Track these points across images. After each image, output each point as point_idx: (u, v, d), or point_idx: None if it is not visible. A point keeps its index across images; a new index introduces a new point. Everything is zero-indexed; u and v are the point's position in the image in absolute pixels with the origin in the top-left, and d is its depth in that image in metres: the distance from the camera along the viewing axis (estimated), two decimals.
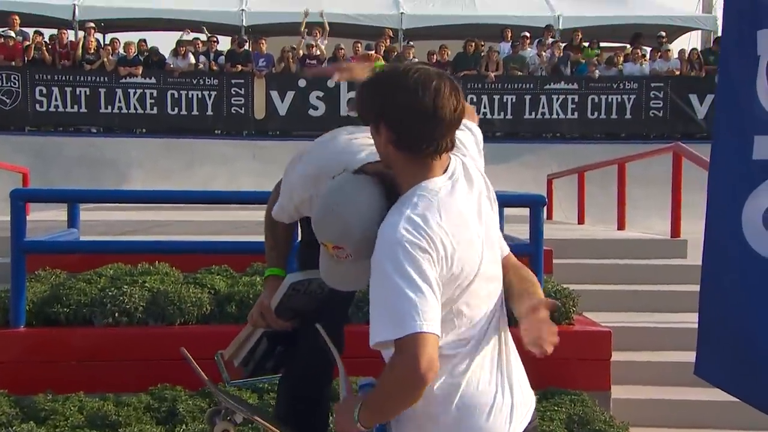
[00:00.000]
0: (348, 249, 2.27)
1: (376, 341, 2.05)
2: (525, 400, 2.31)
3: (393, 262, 2.04)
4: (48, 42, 16.58)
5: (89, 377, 4.37)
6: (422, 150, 2.14)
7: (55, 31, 17.17)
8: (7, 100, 15.55)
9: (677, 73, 16.38)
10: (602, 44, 18.61)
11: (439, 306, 2.05)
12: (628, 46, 17.84)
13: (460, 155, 2.31)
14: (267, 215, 3.07)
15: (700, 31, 20.30)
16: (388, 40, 17.01)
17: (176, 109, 15.82)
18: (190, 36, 17.24)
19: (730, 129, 3.34)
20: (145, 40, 17.06)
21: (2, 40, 16.17)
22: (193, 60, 16.19)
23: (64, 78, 15.79)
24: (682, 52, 17.29)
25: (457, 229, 2.12)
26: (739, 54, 3.29)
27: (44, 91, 15.62)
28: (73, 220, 6.19)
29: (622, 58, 17.06)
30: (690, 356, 3.49)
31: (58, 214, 6.87)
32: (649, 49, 17.32)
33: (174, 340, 4.55)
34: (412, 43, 17.40)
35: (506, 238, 6.07)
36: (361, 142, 2.68)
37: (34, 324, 4.63)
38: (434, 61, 16.56)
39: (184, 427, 3.81)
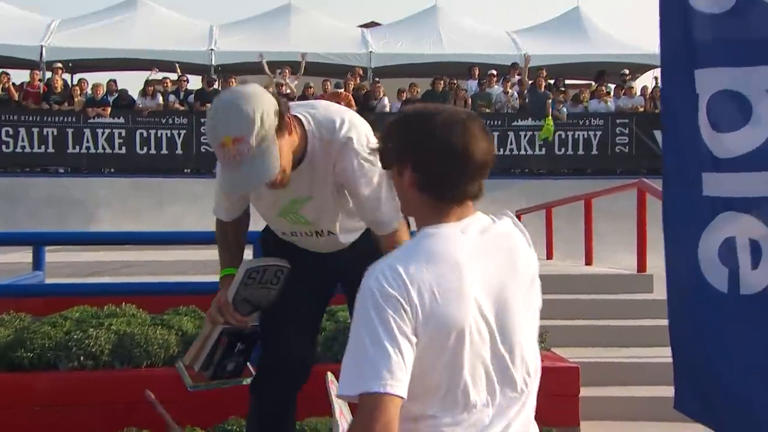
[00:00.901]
0: (250, 140, 2.42)
1: (339, 394, 1.92)
2: None
3: (362, 312, 1.89)
4: (15, 83, 16.54)
5: (54, 422, 4.31)
6: (446, 194, 2.01)
7: (22, 71, 17.16)
8: None
9: (641, 109, 16.64)
10: (567, 81, 18.87)
11: (404, 365, 1.86)
12: (593, 83, 18.10)
13: (507, 217, 2.13)
14: (216, 221, 3.12)
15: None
16: (357, 79, 17.12)
17: (145, 148, 15.81)
18: (159, 75, 17.29)
19: (679, 167, 3.39)
20: (114, 80, 17.07)
21: None
22: (161, 100, 16.19)
23: (31, 118, 15.74)
24: (644, 89, 17.61)
25: (444, 279, 1.91)
26: (680, 93, 3.35)
27: (11, 131, 15.56)
28: (38, 263, 6.13)
29: (587, 95, 17.30)
30: (659, 390, 3.52)
31: (23, 256, 6.80)
32: (613, 87, 17.58)
33: (140, 382, 4.49)
34: (380, 81, 17.54)
35: None
36: None
37: None
38: (404, 98, 16.72)
39: None
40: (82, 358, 4.54)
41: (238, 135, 2.44)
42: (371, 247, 2.98)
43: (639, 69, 19.32)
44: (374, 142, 2.73)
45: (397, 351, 1.85)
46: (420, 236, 2.02)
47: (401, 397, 1.84)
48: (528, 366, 2.03)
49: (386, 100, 16.73)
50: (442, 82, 16.93)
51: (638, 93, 17.41)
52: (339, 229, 3.00)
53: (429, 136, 2.00)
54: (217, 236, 3.13)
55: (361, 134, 2.81)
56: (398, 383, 1.83)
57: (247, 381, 3.11)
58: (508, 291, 2.00)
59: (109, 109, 15.85)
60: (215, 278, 3.16)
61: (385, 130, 2.14)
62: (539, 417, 3.50)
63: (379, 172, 2.80)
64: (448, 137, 1.98)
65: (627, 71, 18.04)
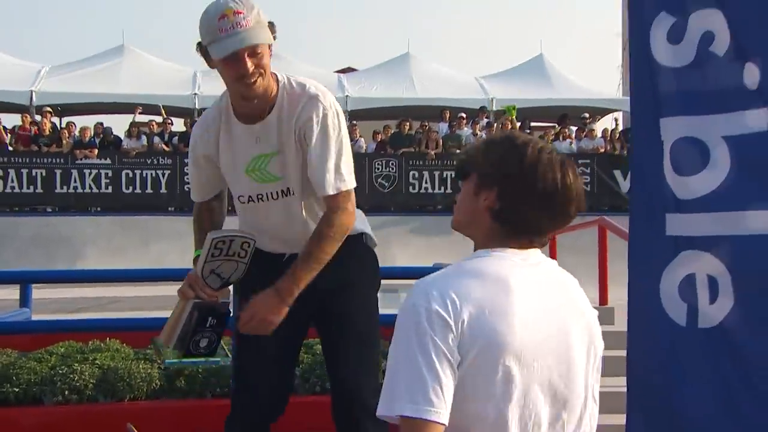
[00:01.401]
0: (248, 16, 2.68)
1: (378, 414, 1.75)
2: None
3: (404, 331, 1.73)
4: (7, 126, 16.55)
5: None
6: (521, 232, 1.85)
7: (13, 116, 17.18)
8: None
9: (602, 150, 16.83)
10: (532, 124, 19.07)
11: (444, 390, 1.69)
12: (557, 125, 18.30)
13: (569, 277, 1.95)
14: (193, 207, 3.16)
15: (622, 112, 20.94)
16: None
17: (131, 187, 15.78)
18: (144, 118, 17.28)
19: (644, 207, 3.44)
20: (101, 123, 17.09)
21: None
22: (146, 141, 16.22)
23: (21, 160, 15.70)
24: (605, 131, 17.83)
25: (496, 300, 1.74)
26: (647, 140, 3.41)
27: (0, 173, 15.47)
28: (25, 300, 6.07)
29: (551, 137, 17.47)
30: (619, 419, 3.50)
31: (11, 293, 6.72)
32: (575, 129, 17.79)
33: (123, 415, 4.44)
34: (356, 123, 17.65)
35: None
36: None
37: None
38: (379, 139, 16.86)
39: None
40: (67, 392, 4.49)
41: (239, 9, 2.68)
42: (347, 278, 2.99)
43: (599, 112, 19.55)
44: (340, 110, 2.94)
45: (438, 375, 1.69)
46: (475, 255, 1.85)
47: (441, 424, 1.69)
48: (583, 418, 1.88)
49: (362, 141, 16.84)
50: (408, 124, 17.09)
51: (599, 135, 17.61)
52: (303, 201, 2.94)
53: (529, 173, 1.82)
54: (193, 221, 3.15)
55: (329, 97, 2.90)
56: (436, 409, 1.68)
57: (224, 361, 3.01)
58: (569, 328, 1.83)
59: (96, 151, 15.84)
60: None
61: (484, 146, 1.96)
62: None
63: (338, 138, 2.88)
64: (545, 179, 1.81)
65: (587, 114, 18.27)
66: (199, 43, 2.84)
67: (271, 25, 2.84)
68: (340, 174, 2.88)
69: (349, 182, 2.91)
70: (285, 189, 2.93)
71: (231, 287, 3.00)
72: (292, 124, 2.86)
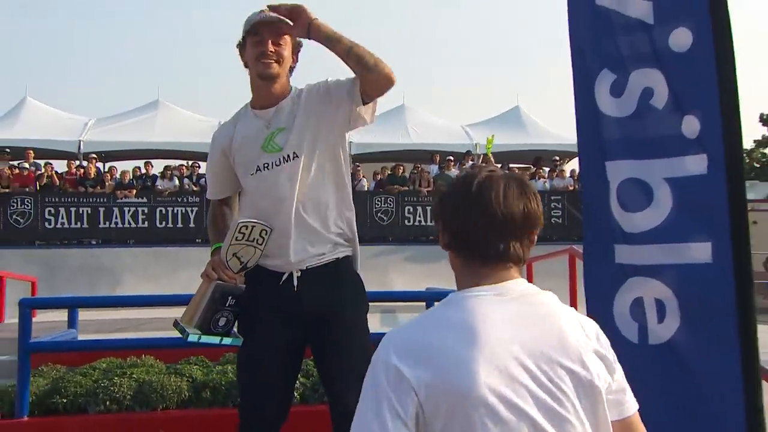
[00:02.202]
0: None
1: None
2: None
3: (367, 380, 1.54)
4: (57, 171, 16.64)
5: None
6: (475, 254, 1.64)
7: (63, 162, 17.26)
8: (21, 220, 15.43)
9: (571, 188, 16.84)
10: (511, 165, 19.11)
11: None
12: (532, 167, 18.35)
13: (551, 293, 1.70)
14: (209, 209, 3.16)
15: None
16: None
17: (164, 222, 15.78)
18: (175, 162, 17.35)
19: (596, 240, 3.45)
20: (139, 168, 17.16)
21: (17, 171, 16.21)
22: (177, 182, 16.26)
23: (69, 200, 15.72)
24: (573, 171, 17.84)
25: (458, 347, 1.49)
26: (595, 181, 3.43)
27: (52, 211, 15.51)
28: (72, 322, 6.10)
29: (527, 177, 17.52)
30: None
31: (60, 315, 6.73)
32: (547, 170, 17.85)
33: (157, 423, 4.46)
34: (360, 165, 17.75)
35: None
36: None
37: (36, 414, 4.49)
38: (378, 179, 16.90)
39: None
40: (108, 402, 4.51)
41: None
42: (339, 302, 2.91)
43: (568, 155, 19.60)
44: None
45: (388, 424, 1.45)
46: (446, 301, 1.61)
47: None
48: None
49: (364, 181, 16.91)
50: (402, 167, 17.15)
51: (568, 175, 17.68)
52: (307, 164, 2.86)
53: (460, 194, 1.65)
54: (210, 221, 3.12)
55: None
56: None
57: (236, 343, 2.92)
58: (552, 359, 1.54)
59: (134, 191, 15.88)
60: None
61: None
62: None
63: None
64: (477, 195, 1.61)
65: (558, 157, 18.35)
66: (238, 42, 2.93)
67: (298, 44, 2.95)
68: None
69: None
70: (287, 155, 2.86)
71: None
72: (301, 98, 2.90)
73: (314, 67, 3.15)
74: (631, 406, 1.71)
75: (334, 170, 2.95)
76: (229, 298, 2.83)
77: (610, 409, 1.63)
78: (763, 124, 43.50)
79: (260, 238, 2.84)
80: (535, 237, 1.71)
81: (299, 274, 2.88)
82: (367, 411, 1.48)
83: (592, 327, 1.70)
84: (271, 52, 2.84)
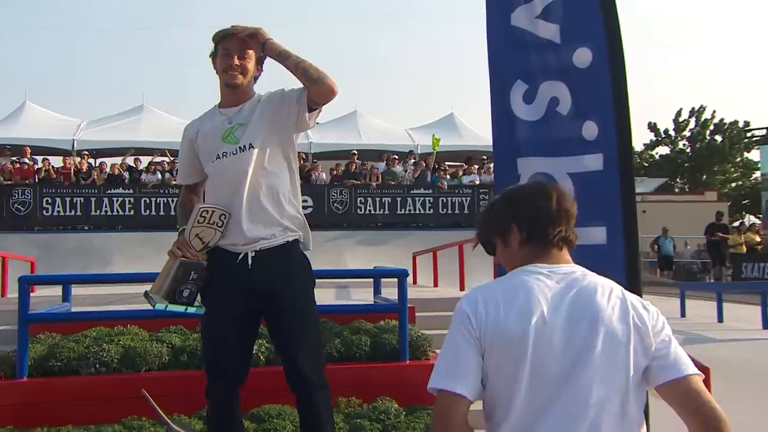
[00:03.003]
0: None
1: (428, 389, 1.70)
2: None
3: (451, 323, 1.73)
4: (54, 166, 16.25)
5: (76, 414, 4.18)
6: (541, 241, 1.81)
7: (58, 158, 16.88)
8: (21, 208, 15.04)
9: None
10: (447, 163, 19.24)
11: (467, 368, 1.64)
12: (464, 164, 18.49)
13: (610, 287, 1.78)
14: (180, 194, 3.17)
15: None
16: (301, 160, 17.15)
17: (148, 211, 15.48)
18: (158, 158, 17.03)
19: None
20: (126, 164, 16.80)
21: (18, 165, 15.83)
22: (160, 176, 15.97)
23: (64, 191, 15.35)
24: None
25: (514, 299, 1.67)
26: (505, 173, 3.47)
27: (50, 200, 15.12)
28: (66, 296, 5.96)
29: (460, 173, 17.66)
30: None
31: (56, 291, 6.58)
32: (476, 167, 18.00)
33: (140, 383, 4.37)
34: (318, 162, 17.66)
35: (382, 300, 6.15)
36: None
37: (34, 375, 4.41)
38: (333, 173, 16.84)
39: None
40: (97, 365, 4.44)
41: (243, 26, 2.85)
42: (288, 278, 2.91)
43: None
44: None
45: (461, 356, 1.64)
46: (516, 271, 1.78)
47: (460, 395, 1.62)
48: (596, 406, 1.61)
49: (322, 175, 16.84)
50: (354, 164, 17.12)
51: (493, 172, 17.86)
52: (256, 150, 2.87)
53: (540, 199, 1.83)
54: (179, 205, 3.12)
55: None
56: (455, 383, 1.62)
57: (199, 311, 2.88)
58: (580, 323, 1.65)
59: (122, 184, 15.58)
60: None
61: (486, 216, 1.92)
62: (428, 400, 3.37)
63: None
64: (537, 199, 1.82)
65: (485, 157, 18.50)
66: (211, 53, 2.94)
67: (262, 57, 2.94)
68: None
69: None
70: (243, 146, 2.87)
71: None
72: (259, 107, 2.91)
73: (281, 77, 3.12)
74: (679, 371, 1.66)
75: (285, 163, 2.96)
76: (192, 272, 2.81)
77: (653, 373, 1.67)
78: (651, 131, 44.64)
79: (219, 221, 2.83)
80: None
81: (253, 254, 2.87)
82: (447, 342, 1.69)
83: (632, 301, 1.75)
84: (237, 65, 2.87)
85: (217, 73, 2.96)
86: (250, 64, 2.92)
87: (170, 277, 2.79)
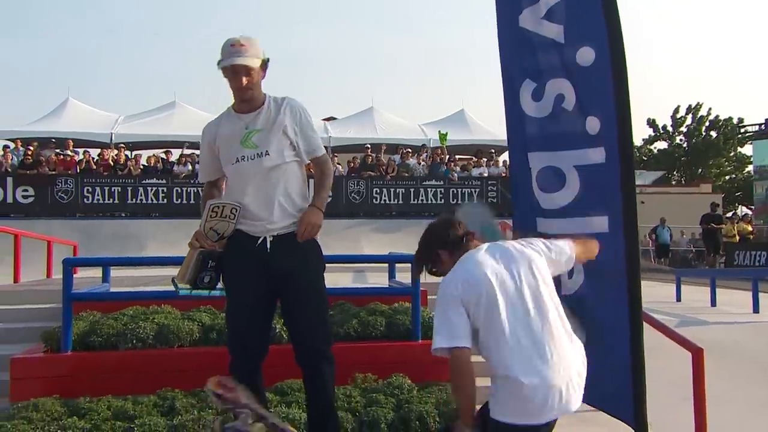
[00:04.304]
0: (251, 48, 2.93)
1: (432, 350, 2.25)
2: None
3: (439, 300, 2.32)
4: (94, 157, 16.38)
5: (115, 385, 4.22)
6: (462, 246, 2.46)
7: (99, 150, 17.04)
8: (65, 196, 15.21)
9: (504, 175, 16.93)
10: (457, 156, 19.16)
11: (459, 325, 2.23)
12: (474, 158, 18.39)
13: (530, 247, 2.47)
14: (203, 190, 3.23)
15: None
16: None
17: (179, 200, 15.61)
18: (188, 151, 17.11)
19: (522, 215, 3.50)
20: (160, 156, 16.91)
21: (62, 157, 15.96)
22: (190, 167, 16.05)
23: (103, 180, 15.49)
24: (505, 162, 17.89)
25: (473, 271, 2.30)
26: (519, 168, 3.46)
27: (90, 189, 15.28)
28: (105, 278, 6.03)
29: (471, 166, 17.58)
30: None
31: (96, 272, 6.66)
32: (485, 160, 17.90)
33: (173, 358, 4.45)
34: (336, 155, 17.65)
35: (396, 283, 6.15)
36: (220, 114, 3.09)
37: (77, 349, 4.46)
38: (351, 166, 16.82)
39: (180, 417, 3.69)
40: (134, 341, 4.48)
41: (243, 43, 2.90)
42: (302, 262, 2.99)
43: (502, 149, 19.72)
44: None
45: (453, 321, 2.22)
46: (466, 256, 2.39)
47: (464, 347, 2.20)
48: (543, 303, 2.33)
49: (340, 167, 16.83)
50: (370, 157, 17.09)
51: (501, 164, 17.76)
52: (273, 156, 2.97)
53: (445, 233, 2.48)
54: (202, 199, 3.18)
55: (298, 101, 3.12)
56: (458, 338, 2.21)
57: (220, 293, 3.01)
58: (510, 266, 2.35)
59: (155, 174, 15.68)
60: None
61: (422, 253, 2.53)
62: (440, 375, 3.40)
63: (313, 125, 3.11)
64: (446, 229, 2.49)
65: (493, 150, 18.43)
66: (218, 62, 2.96)
67: (266, 61, 3.00)
68: (320, 144, 3.11)
69: (322, 147, 3.15)
70: (261, 152, 2.97)
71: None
72: (279, 116, 2.99)
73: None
74: (565, 252, 2.53)
75: (296, 164, 3.07)
76: (210, 261, 2.92)
77: (553, 264, 2.49)
78: (650, 126, 44.11)
79: (231, 214, 2.92)
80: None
81: (271, 238, 2.97)
82: (441, 311, 2.28)
83: (526, 240, 2.52)
84: (245, 84, 2.94)
85: (226, 78, 3.00)
86: (257, 77, 2.99)
87: (192, 266, 2.90)
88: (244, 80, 2.92)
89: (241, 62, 2.88)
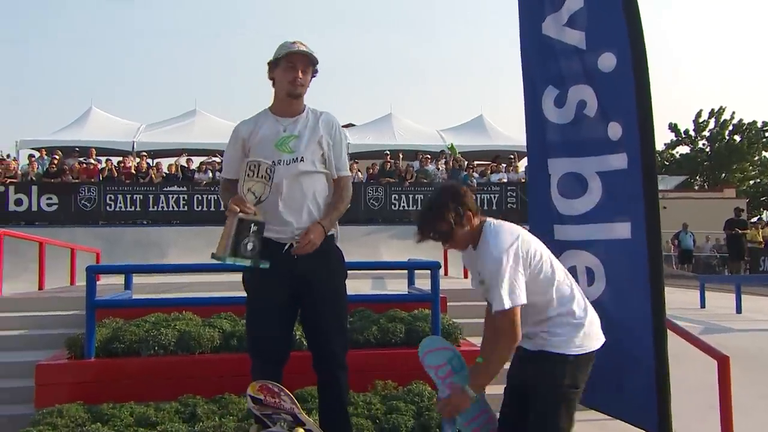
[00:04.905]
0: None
1: (494, 311, 2.38)
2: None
3: (496, 262, 2.44)
4: (116, 165, 16.59)
5: (137, 391, 4.25)
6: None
7: (121, 158, 17.22)
8: (88, 204, 15.38)
9: (523, 180, 16.84)
10: (476, 162, 19.09)
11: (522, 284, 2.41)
12: (492, 163, 18.32)
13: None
14: (221, 184, 3.24)
15: None
16: None
17: (200, 207, 15.71)
18: (209, 159, 17.25)
19: (538, 221, 3.48)
20: (181, 164, 17.07)
21: (85, 165, 16.17)
22: (211, 175, 16.18)
23: (125, 188, 15.66)
24: (525, 167, 17.80)
25: (518, 229, 2.51)
26: (538, 174, 3.44)
27: (112, 197, 15.45)
28: (128, 284, 6.10)
29: (489, 171, 17.51)
30: None
31: (118, 279, 6.73)
32: (504, 166, 17.82)
33: (195, 365, 4.48)
34: (357, 161, 17.69)
35: (416, 290, 6.12)
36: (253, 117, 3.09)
37: (100, 356, 4.51)
38: (370, 172, 16.83)
39: (201, 424, 3.71)
40: (156, 348, 4.52)
41: (306, 44, 2.98)
42: (324, 269, 2.99)
43: (521, 155, 19.58)
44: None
45: (519, 279, 2.38)
46: (493, 224, 2.54)
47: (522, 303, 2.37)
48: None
49: (359, 174, 16.88)
50: (388, 163, 17.10)
51: (521, 170, 17.67)
52: (307, 163, 2.98)
53: (464, 194, 2.55)
54: (221, 190, 3.18)
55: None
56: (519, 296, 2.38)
57: (265, 265, 2.85)
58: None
59: (176, 182, 15.81)
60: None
61: (438, 214, 2.48)
62: None
63: (345, 142, 3.18)
64: (466, 193, 2.57)
65: (513, 156, 18.32)
66: (270, 61, 3.00)
67: (316, 70, 3.08)
68: (347, 164, 3.14)
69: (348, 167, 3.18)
70: (296, 158, 2.98)
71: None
72: (315, 125, 3.03)
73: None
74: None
75: (324, 171, 3.07)
76: (251, 225, 2.81)
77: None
78: (671, 131, 43.64)
79: (267, 174, 2.86)
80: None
81: (298, 244, 2.96)
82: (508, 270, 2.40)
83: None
84: (301, 78, 2.97)
85: (271, 80, 3.04)
86: (309, 77, 3.05)
87: (232, 233, 2.79)
88: (300, 72, 2.97)
89: (305, 50, 2.94)
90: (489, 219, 2.53)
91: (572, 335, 2.45)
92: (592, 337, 2.51)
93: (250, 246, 2.80)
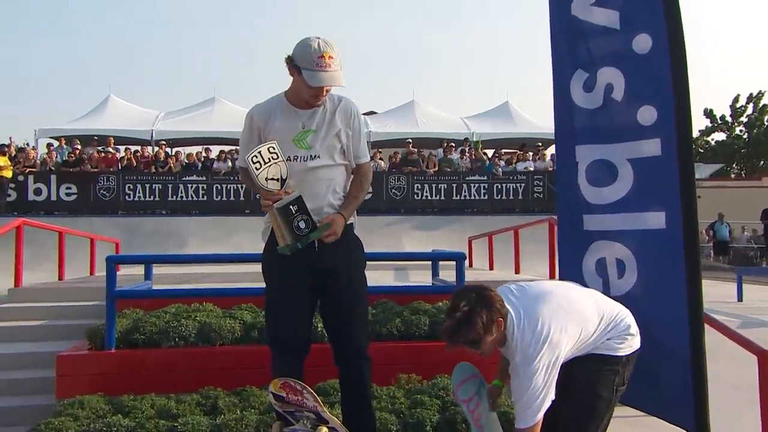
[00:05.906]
0: (338, 60, 2.85)
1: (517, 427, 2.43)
2: None
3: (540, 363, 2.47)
4: (135, 154, 16.75)
5: (158, 383, 4.31)
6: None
7: (139, 147, 17.38)
8: (107, 194, 15.59)
9: (550, 169, 16.70)
10: (502, 150, 18.96)
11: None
12: (518, 151, 18.18)
13: None
14: (240, 173, 3.24)
15: None
16: None
17: (219, 197, 15.84)
18: (228, 147, 17.36)
19: (566, 210, 3.42)
20: (200, 152, 17.20)
21: (104, 154, 16.35)
22: (230, 164, 16.28)
23: (144, 178, 15.84)
24: (553, 155, 17.64)
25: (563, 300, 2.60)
26: (565, 161, 3.39)
27: (131, 186, 15.64)
28: (148, 275, 6.16)
29: (515, 160, 17.38)
30: None
31: (138, 270, 6.81)
32: (531, 154, 17.67)
33: (215, 356, 4.52)
34: (379, 150, 17.69)
35: (440, 281, 6.11)
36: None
37: (121, 347, 4.57)
38: (392, 161, 16.80)
39: (222, 417, 3.74)
40: (176, 339, 4.56)
41: (332, 54, 2.81)
42: (344, 259, 3.00)
43: (548, 142, 19.42)
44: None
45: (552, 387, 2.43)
46: (518, 326, 2.50)
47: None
48: None
49: (381, 163, 16.86)
50: (410, 153, 17.06)
51: (548, 158, 17.51)
52: (324, 158, 2.98)
53: (492, 304, 2.47)
54: (242, 179, 3.24)
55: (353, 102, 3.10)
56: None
57: (322, 231, 2.87)
58: None
59: (195, 171, 15.93)
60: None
61: (471, 324, 2.44)
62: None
63: (365, 130, 3.16)
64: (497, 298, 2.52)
65: (540, 144, 18.16)
66: (290, 58, 2.88)
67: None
68: (366, 151, 3.11)
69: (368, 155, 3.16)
70: (312, 155, 2.97)
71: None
72: (334, 116, 2.99)
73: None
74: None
75: (343, 163, 3.07)
76: (290, 207, 2.82)
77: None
78: (706, 117, 42.86)
79: (274, 154, 2.84)
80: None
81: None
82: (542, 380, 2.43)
83: None
84: (323, 97, 2.96)
85: (291, 74, 2.92)
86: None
87: (281, 224, 2.82)
88: (324, 93, 2.92)
89: (334, 83, 2.84)
90: (510, 313, 2.49)
91: (624, 343, 2.61)
92: (636, 335, 2.64)
93: (302, 224, 2.83)
